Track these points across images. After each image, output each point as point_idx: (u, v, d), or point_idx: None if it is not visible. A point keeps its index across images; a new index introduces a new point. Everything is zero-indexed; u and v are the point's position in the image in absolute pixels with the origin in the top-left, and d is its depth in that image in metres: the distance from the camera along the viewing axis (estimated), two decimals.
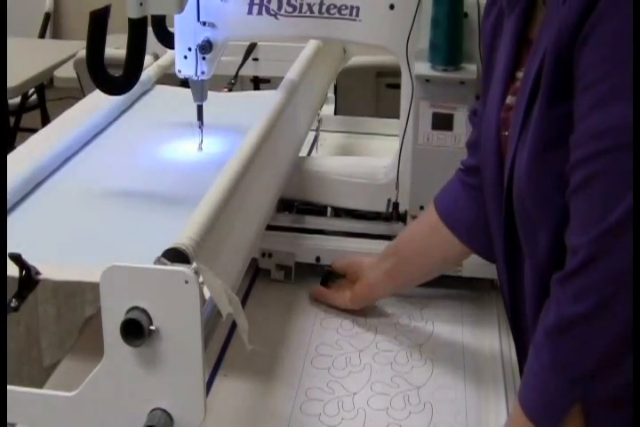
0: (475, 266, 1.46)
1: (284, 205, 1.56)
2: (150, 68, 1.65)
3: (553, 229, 0.98)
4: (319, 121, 1.87)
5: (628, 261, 0.86)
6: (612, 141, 0.87)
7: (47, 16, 3.75)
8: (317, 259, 1.50)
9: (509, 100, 1.07)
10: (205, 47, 1.37)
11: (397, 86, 1.46)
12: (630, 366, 0.89)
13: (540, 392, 0.94)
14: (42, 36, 3.71)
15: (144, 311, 0.85)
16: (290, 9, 1.41)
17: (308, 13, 1.41)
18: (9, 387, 0.90)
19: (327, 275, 1.48)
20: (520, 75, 1.04)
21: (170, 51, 1.58)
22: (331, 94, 2.14)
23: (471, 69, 1.37)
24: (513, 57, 1.06)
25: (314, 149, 1.85)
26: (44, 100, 3.42)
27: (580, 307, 0.89)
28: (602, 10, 0.87)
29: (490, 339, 1.36)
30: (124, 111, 1.54)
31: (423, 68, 1.38)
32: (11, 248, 0.94)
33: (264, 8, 1.41)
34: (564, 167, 0.93)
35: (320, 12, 1.40)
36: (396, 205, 1.47)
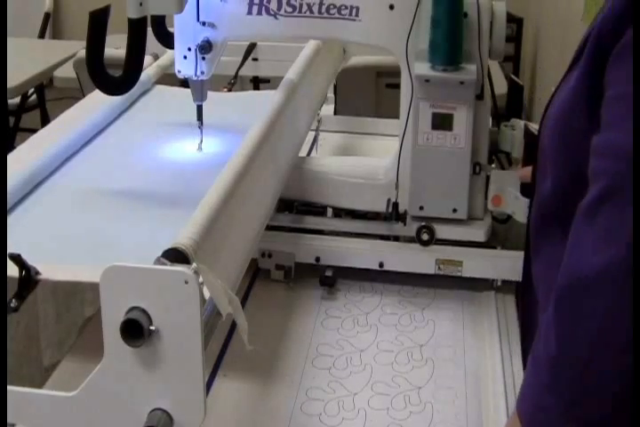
0: (475, 266, 1.47)
1: (284, 205, 1.56)
2: (150, 69, 1.65)
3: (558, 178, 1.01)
4: (319, 121, 1.87)
5: None
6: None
7: (47, 16, 3.75)
8: (317, 259, 1.50)
9: None
10: (205, 47, 1.37)
11: (397, 86, 1.46)
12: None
13: (536, 407, 0.94)
14: (41, 36, 3.71)
15: (144, 311, 0.85)
16: (289, 9, 1.41)
17: (307, 13, 1.41)
18: (9, 387, 0.90)
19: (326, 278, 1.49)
20: None
21: (169, 51, 1.58)
22: (330, 94, 2.14)
23: (471, 69, 1.37)
24: None
25: (313, 149, 1.85)
26: (44, 100, 3.42)
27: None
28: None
29: (490, 339, 1.36)
30: (123, 111, 1.54)
31: (423, 68, 1.38)
32: (10, 248, 0.94)
33: (264, 8, 1.41)
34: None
35: (320, 12, 1.40)
36: (395, 204, 1.47)
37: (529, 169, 1.32)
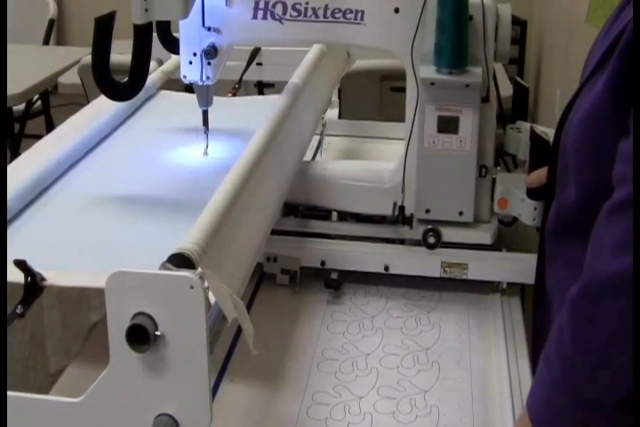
0: (481, 269, 1.46)
1: (289, 209, 1.56)
2: (154, 74, 1.65)
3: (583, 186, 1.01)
4: (323, 125, 1.87)
5: None
6: None
7: (51, 22, 3.75)
8: (322, 263, 1.50)
9: None
10: (210, 52, 1.37)
11: (402, 90, 1.46)
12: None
13: (547, 405, 0.94)
14: (46, 42, 3.71)
15: (149, 317, 0.85)
16: (295, 13, 1.41)
17: (312, 18, 1.41)
18: (15, 393, 0.90)
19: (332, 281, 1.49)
20: None
21: (173, 56, 1.59)
22: (335, 98, 2.14)
23: (476, 72, 1.37)
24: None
25: (318, 153, 1.85)
26: (49, 106, 3.42)
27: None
28: None
29: (496, 342, 1.36)
30: (128, 117, 1.54)
31: (428, 71, 1.38)
32: (15, 254, 0.94)
33: (269, 13, 1.41)
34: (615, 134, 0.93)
35: (325, 16, 1.40)
36: (401, 208, 1.47)
37: (536, 174, 1.31)
